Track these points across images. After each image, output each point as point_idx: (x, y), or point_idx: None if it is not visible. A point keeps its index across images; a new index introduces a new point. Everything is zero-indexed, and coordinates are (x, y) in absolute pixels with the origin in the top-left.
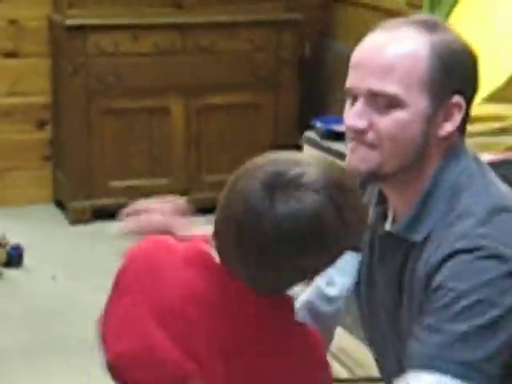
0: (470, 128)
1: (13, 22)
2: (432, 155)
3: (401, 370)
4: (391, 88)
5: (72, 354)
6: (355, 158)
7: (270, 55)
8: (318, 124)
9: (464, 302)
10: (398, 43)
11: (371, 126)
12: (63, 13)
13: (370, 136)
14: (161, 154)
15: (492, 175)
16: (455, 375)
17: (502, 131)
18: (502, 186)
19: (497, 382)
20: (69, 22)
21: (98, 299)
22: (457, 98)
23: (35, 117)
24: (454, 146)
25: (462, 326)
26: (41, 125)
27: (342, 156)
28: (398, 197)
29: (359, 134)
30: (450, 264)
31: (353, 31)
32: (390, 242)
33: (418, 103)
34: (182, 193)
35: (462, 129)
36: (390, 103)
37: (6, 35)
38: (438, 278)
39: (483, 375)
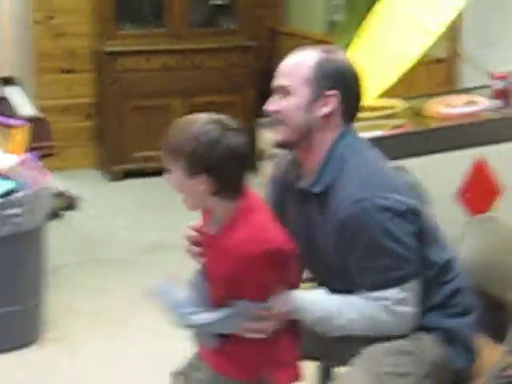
0: (368, 114)
1: (69, 50)
2: (317, 132)
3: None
4: (285, 82)
5: (112, 267)
6: (275, 133)
7: (239, 70)
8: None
9: (374, 246)
10: (298, 58)
11: (279, 109)
12: (102, 43)
13: (279, 116)
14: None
15: (368, 147)
16: (398, 285)
17: (390, 116)
18: (375, 153)
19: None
20: (106, 49)
21: (128, 229)
22: (331, 92)
23: (84, 112)
24: (343, 130)
25: (384, 260)
26: (88, 117)
27: None
28: (305, 163)
29: (273, 115)
30: (353, 221)
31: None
32: (302, 195)
33: (303, 92)
34: None
35: (346, 119)
36: (286, 92)
37: (65, 59)
38: (350, 230)
39: (411, 275)
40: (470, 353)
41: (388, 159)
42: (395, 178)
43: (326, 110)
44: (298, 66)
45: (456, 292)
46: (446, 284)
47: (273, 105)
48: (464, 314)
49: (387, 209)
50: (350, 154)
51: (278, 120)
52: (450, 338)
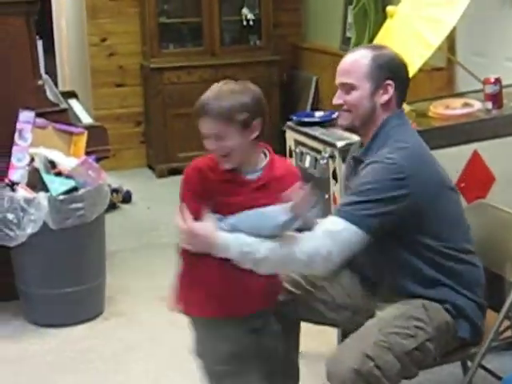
0: None
1: (120, 67)
2: (379, 115)
3: None
4: (349, 80)
5: (161, 250)
6: (341, 120)
7: (265, 80)
8: (294, 117)
9: (367, 186)
10: (354, 57)
11: (344, 101)
12: (149, 61)
13: (344, 107)
14: None
15: (411, 129)
16: (348, 220)
17: None
18: (415, 136)
19: (376, 234)
20: (152, 65)
21: (174, 218)
22: (388, 81)
23: (134, 119)
24: (392, 113)
25: (361, 198)
26: (138, 124)
27: (307, 135)
28: (365, 139)
29: (339, 106)
30: (368, 166)
31: (310, 66)
32: (356, 162)
33: (365, 86)
34: None
35: (398, 103)
36: (350, 88)
37: (118, 74)
38: (362, 173)
39: (366, 225)
40: (474, 327)
41: None
42: (421, 159)
43: (385, 97)
44: (356, 63)
45: (471, 277)
46: (462, 266)
47: (339, 99)
48: (474, 299)
49: (389, 168)
50: (394, 132)
51: (344, 110)
52: (457, 311)
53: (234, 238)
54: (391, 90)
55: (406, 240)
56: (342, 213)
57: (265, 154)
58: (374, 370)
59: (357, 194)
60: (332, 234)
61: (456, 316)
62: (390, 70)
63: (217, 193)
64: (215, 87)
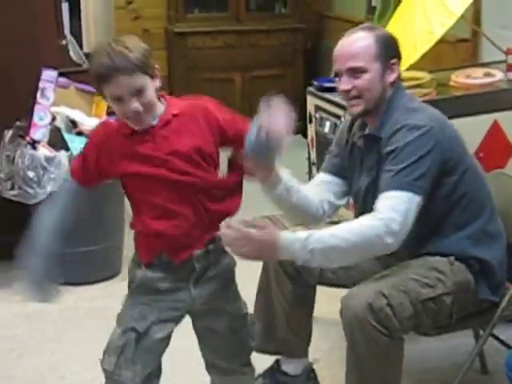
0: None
1: (145, 30)
2: (388, 93)
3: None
4: (359, 63)
5: None
6: (353, 109)
7: (289, 48)
8: (315, 82)
9: (401, 153)
10: (357, 39)
11: (353, 86)
12: (173, 25)
13: (354, 92)
14: (229, 102)
15: (416, 101)
16: (404, 189)
17: (418, 86)
18: (420, 106)
19: (427, 193)
20: (176, 30)
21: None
22: (394, 60)
23: None
24: (397, 87)
25: (401, 165)
26: (161, 88)
27: (327, 100)
28: (372, 120)
29: (348, 93)
30: (393, 136)
31: (334, 34)
32: (368, 142)
33: (374, 67)
34: None
35: (399, 77)
36: (360, 71)
37: (142, 38)
38: (389, 146)
39: (418, 187)
40: (497, 288)
41: None
42: (438, 117)
43: (394, 76)
44: (362, 46)
45: (493, 228)
46: (484, 218)
47: (347, 84)
48: (498, 252)
49: (413, 128)
50: (403, 103)
51: (353, 96)
52: (482, 269)
53: (293, 237)
54: (397, 69)
55: (436, 195)
56: (391, 184)
57: (160, 101)
58: (386, 308)
59: (396, 163)
60: (392, 208)
61: (480, 274)
62: (393, 48)
63: (125, 146)
64: (105, 47)
